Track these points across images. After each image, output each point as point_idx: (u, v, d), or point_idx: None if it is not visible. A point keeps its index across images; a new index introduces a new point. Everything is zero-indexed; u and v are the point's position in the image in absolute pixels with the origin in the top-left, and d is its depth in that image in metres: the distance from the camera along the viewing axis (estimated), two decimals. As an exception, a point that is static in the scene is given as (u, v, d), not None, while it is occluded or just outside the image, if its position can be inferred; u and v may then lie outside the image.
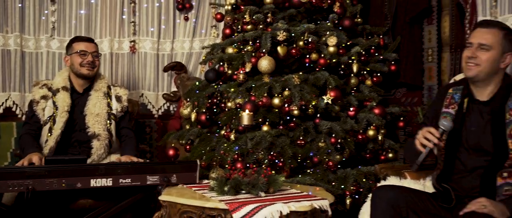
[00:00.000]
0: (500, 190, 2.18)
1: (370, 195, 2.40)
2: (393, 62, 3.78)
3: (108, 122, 3.33)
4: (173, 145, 3.70)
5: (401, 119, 3.69)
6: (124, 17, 4.54)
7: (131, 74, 4.59)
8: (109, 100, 3.40)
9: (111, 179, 2.70)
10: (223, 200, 2.41)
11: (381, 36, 3.83)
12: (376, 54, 3.75)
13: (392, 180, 2.67)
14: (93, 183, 2.69)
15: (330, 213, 2.51)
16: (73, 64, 3.34)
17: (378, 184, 2.59)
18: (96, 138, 3.25)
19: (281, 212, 2.32)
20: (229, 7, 3.79)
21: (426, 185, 2.62)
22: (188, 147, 3.69)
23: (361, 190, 3.23)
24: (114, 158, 3.28)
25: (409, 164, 2.53)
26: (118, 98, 3.45)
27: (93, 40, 3.48)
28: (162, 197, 2.57)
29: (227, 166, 3.10)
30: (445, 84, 2.43)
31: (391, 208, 2.27)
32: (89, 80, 3.41)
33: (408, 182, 2.66)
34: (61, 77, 3.40)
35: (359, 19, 3.78)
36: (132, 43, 4.53)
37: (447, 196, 2.30)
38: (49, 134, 3.19)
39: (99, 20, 4.47)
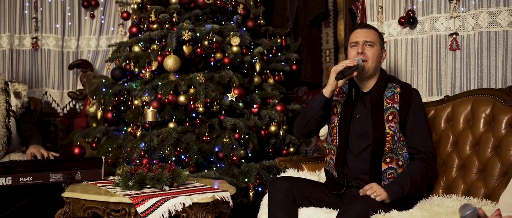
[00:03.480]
0: (385, 174, 2.45)
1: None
2: (294, 62, 4.01)
3: (7, 118, 3.24)
4: (79, 143, 3.66)
5: (302, 115, 3.92)
6: (25, 12, 4.39)
7: (33, 71, 4.45)
8: (7, 96, 3.30)
9: (10, 177, 2.65)
10: (127, 195, 2.47)
11: (283, 37, 4.05)
12: (278, 54, 3.96)
13: (291, 172, 2.87)
14: (-9, 182, 2.63)
15: (231, 204, 2.65)
16: None
17: (278, 176, 2.78)
18: None
19: (184, 204, 2.42)
20: (136, 6, 3.81)
21: (320, 176, 2.85)
22: (94, 144, 3.68)
23: (264, 183, 3.41)
24: (15, 156, 3.19)
25: (296, 129, 2.72)
26: (17, 95, 3.36)
27: None
28: (65, 194, 2.57)
29: (133, 162, 3.15)
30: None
31: (286, 197, 2.47)
32: None
33: (305, 174, 2.87)
34: None
35: (262, 21, 3.97)
36: (34, 39, 4.40)
37: (339, 183, 2.53)
38: None
39: (-4, 14, 4.30)
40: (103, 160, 2.90)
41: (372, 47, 2.52)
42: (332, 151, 2.60)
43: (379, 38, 2.59)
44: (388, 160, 2.46)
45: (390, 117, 2.47)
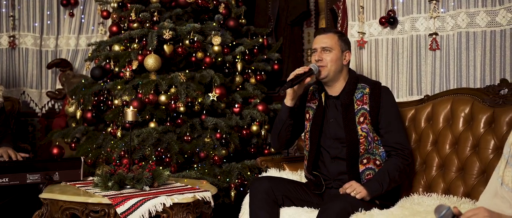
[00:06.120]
0: (363, 175, 2.47)
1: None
2: (276, 62, 4.01)
3: None
4: (57, 143, 3.61)
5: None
6: (2, 10, 4.32)
7: (10, 70, 4.37)
8: None
9: (-15, 179, 2.60)
10: (106, 195, 2.43)
11: (264, 37, 4.05)
12: (260, 54, 3.96)
13: (272, 172, 2.87)
14: (-34, 183, 2.57)
15: (212, 204, 2.64)
16: None
17: (259, 176, 2.77)
18: None
19: (164, 205, 2.40)
20: (116, 5, 3.76)
21: (302, 176, 2.85)
22: (73, 145, 3.62)
23: (246, 182, 3.40)
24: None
25: (272, 142, 2.78)
26: None
27: None
28: (43, 195, 2.52)
29: (113, 162, 3.11)
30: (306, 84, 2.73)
31: (267, 197, 2.47)
32: None
33: (286, 173, 2.87)
34: None
35: (243, 20, 3.95)
36: (12, 38, 4.32)
37: (318, 183, 2.55)
38: None
39: (-28, 12, 4.22)
40: (82, 160, 2.86)
41: (330, 52, 2.53)
42: (306, 156, 2.64)
43: (338, 40, 2.57)
44: (365, 161, 2.48)
45: (361, 119, 2.49)
